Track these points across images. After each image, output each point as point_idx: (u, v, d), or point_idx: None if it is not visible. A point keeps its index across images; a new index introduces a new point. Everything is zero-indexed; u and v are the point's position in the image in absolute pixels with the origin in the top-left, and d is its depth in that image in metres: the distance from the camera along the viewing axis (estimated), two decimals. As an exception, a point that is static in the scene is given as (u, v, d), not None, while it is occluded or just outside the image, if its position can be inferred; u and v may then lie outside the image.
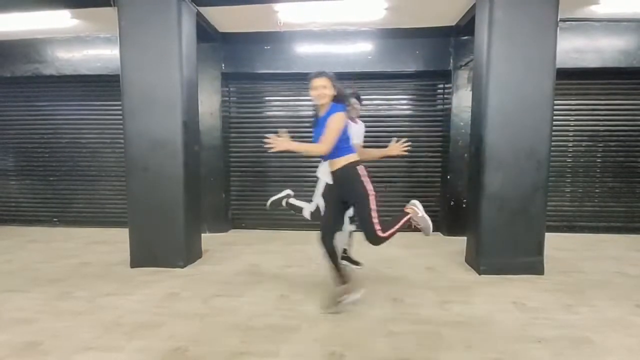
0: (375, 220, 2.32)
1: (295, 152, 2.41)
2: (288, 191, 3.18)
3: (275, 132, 2.29)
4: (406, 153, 2.78)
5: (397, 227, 2.43)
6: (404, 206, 2.57)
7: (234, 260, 3.60)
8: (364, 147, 3.03)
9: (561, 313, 2.41)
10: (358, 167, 2.37)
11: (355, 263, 3.24)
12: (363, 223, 2.35)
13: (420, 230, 2.55)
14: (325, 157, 2.46)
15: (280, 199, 3.14)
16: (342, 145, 2.36)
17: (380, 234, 2.33)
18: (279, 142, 2.25)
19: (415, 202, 2.58)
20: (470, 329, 2.20)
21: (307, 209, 3.04)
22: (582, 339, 2.08)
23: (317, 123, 2.43)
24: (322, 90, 2.34)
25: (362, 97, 3.12)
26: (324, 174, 2.86)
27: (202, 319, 2.33)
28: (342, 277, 2.47)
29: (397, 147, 2.74)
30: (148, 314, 2.40)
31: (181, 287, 2.86)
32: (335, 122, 2.28)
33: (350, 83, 4.73)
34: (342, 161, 2.37)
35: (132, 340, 2.07)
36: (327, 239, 2.41)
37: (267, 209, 3.21)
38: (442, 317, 2.36)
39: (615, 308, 2.48)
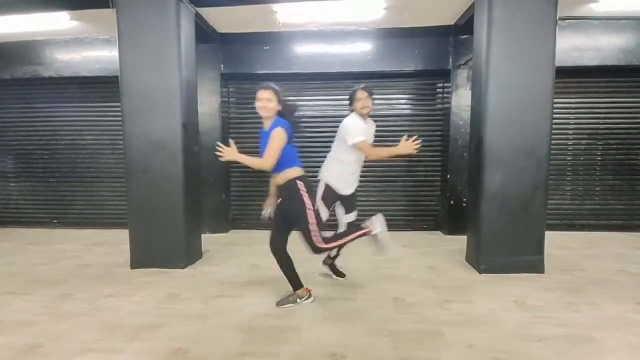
0: (316, 235, 2.40)
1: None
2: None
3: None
4: (416, 152, 2.62)
5: (343, 241, 2.53)
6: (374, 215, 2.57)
7: (235, 260, 3.60)
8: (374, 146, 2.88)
9: (562, 311, 2.41)
10: (298, 182, 2.38)
11: (339, 274, 3.07)
12: (304, 237, 2.43)
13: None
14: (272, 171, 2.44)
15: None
16: (285, 159, 2.38)
17: (321, 245, 2.43)
18: (227, 152, 2.31)
19: (377, 219, 2.55)
20: (471, 328, 2.20)
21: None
22: (584, 337, 2.08)
23: (262, 135, 2.44)
24: (266, 103, 2.35)
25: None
26: (328, 176, 2.81)
27: (202, 320, 2.33)
28: (296, 282, 2.58)
29: (407, 145, 2.59)
30: (149, 315, 2.40)
31: (182, 288, 2.86)
32: (276, 138, 2.30)
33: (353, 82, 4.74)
34: (283, 176, 2.41)
35: (132, 341, 2.07)
36: (280, 252, 2.51)
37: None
38: (443, 316, 2.36)
39: (616, 306, 2.47)
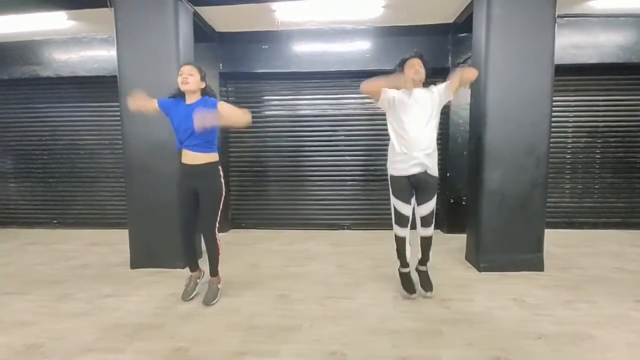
0: (216, 223, 2.52)
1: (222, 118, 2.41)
2: None
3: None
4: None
5: (219, 247, 2.60)
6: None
7: (234, 260, 3.60)
8: None
9: (561, 309, 2.42)
10: (220, 168, 2.49)
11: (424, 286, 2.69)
12: (208, 220, 2.50)
13: None
14: (190, 147, 2.47)
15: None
16: (215, 141, 2.47)
17: (215, 233, 2.53)
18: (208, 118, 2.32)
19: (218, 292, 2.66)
20: (470, 326, 2.20)
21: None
22: (583, 334, 2.09)
23: (183, 110, 2.47)
24: (187, 76, 2.44)
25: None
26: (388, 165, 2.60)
27: (202, 319, 2.33)
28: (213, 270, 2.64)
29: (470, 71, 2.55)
30: (148, 315, 2.40)
31: (181, 287, 2.86)
32: (229, 105, 2.46)
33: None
34: (208, 157, 2.48)
35: (132, 341, 2.07)
36: (188, 234, 2.58)
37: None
38: (443, 314, 2.36)
39: (615, 304, 2.48)
